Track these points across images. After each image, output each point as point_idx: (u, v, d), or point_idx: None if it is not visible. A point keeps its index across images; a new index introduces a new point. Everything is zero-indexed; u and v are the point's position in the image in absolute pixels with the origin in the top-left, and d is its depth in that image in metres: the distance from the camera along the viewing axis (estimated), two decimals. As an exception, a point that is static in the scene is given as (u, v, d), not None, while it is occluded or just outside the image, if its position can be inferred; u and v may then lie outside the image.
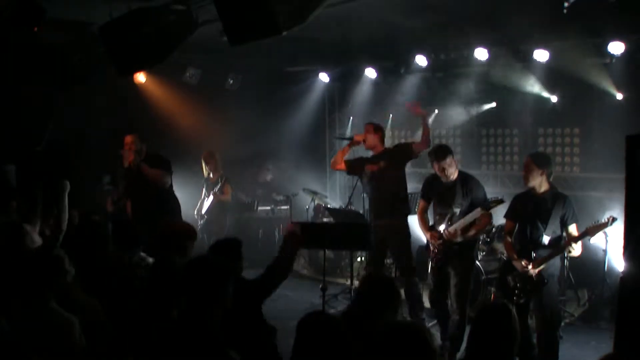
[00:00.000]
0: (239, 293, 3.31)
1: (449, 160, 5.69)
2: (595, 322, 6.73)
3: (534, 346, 5.16)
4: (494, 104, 9.03)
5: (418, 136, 7.23)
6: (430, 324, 6.31)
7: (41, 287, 3.44)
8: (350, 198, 7.48)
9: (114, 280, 4.31)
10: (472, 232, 5.69)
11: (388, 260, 7.47)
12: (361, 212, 7.51)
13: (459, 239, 5.64)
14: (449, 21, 7.15)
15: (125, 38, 5.38)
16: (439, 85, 9.11)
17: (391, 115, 9.87)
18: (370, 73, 9.46)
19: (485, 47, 7.72)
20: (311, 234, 5.51)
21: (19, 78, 6.34)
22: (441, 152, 5.75)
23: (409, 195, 6.76)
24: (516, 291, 5.16)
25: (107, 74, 6.34)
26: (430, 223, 6.05)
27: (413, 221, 6.44)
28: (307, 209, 9.55)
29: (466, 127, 9.58)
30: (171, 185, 7.29)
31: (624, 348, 3.41)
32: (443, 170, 5.71)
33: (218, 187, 9.14)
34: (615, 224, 4.98)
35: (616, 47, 6.81)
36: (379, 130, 6.61)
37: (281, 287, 4.19)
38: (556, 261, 5.29)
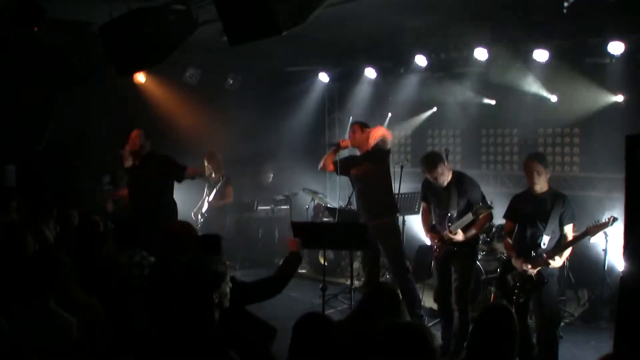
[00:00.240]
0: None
1: (440, 169, 5.66)
2: (595, 321, 6.72)
3: (533, 346, 5.16)
4: (493, 104, 9.03)
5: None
6: (430, 324, 6.32)
7: (41, 287, 3.43)
8: (350, 198, 7.47)
9: (113, 280, 4.32)
10: (472, 232, 5.68)
11: (385, 260, 7.47)
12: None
13: (459, 239, 5.64)
14: (449, 21, 7.15)
15: (125, 38, 5.38)
16: (439, 85, 9.11)
17: (389, 114, 9.86)
18: (370, 73, 9.46)
19: (484, 47, 7.72)
20: (311, 234, 5.50)
21: (19, 78, 6.35)
22: (431, 163, 5.70)
23: (408, 195, 6.74)
24: (516, 290, 5.15)
25: (107, 74, 6.35)
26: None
27: (414, 221, 6.43)
28: (307, 209, 9.56)
29: (466, 127, 9.57)
30: (171, 185, 7.29)
31: (624, 348, 3.41)
32: (436, 178, 5.71)
33: (219, 186, 9.13)
34: (615, 223, 4.98)
35: (616, 47, 6.81)
36: (365, 128, 6.61)
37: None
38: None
